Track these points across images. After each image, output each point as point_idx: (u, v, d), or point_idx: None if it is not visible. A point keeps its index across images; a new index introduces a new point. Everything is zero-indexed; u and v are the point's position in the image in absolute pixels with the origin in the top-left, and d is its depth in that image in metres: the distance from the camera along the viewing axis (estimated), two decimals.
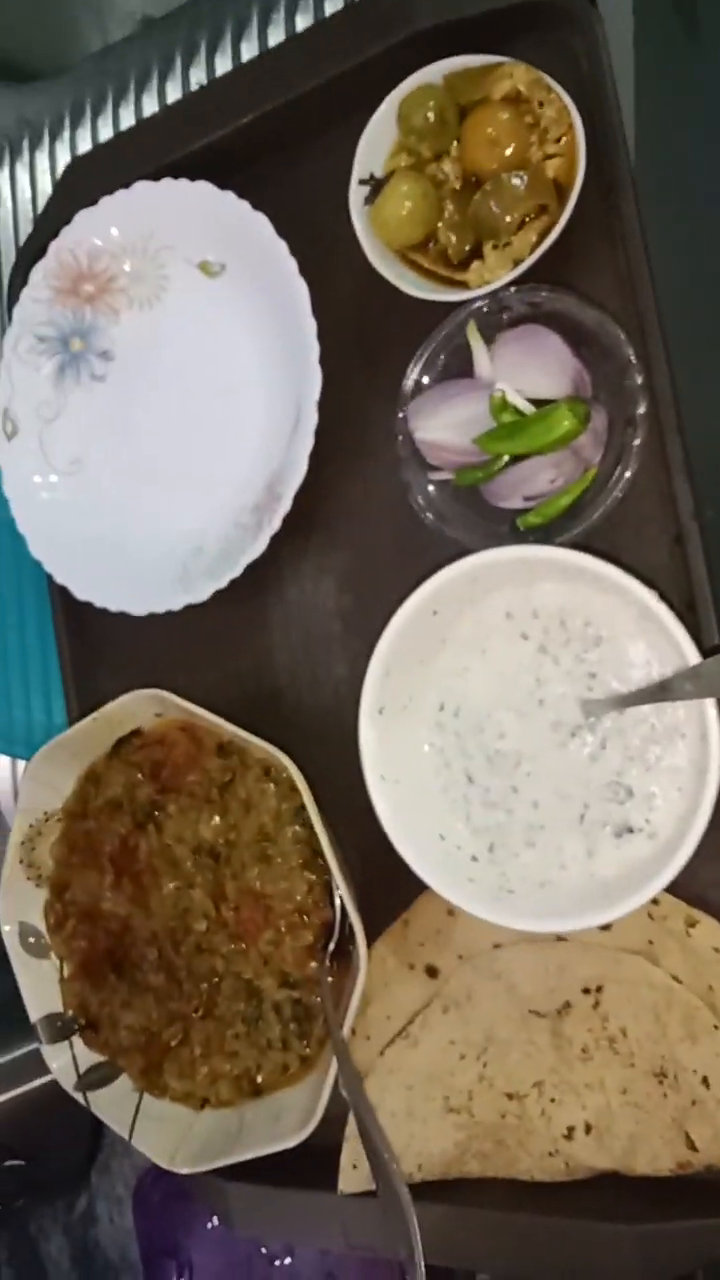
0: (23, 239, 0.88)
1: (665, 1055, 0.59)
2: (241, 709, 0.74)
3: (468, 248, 0.62)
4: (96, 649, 0.81)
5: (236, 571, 0.69)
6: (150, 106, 0.82)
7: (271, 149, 0.72)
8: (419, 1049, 0.66)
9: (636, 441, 0.57)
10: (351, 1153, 0.66)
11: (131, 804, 0.73)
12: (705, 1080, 0.58)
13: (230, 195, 0.69)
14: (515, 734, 0.60)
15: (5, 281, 0.88)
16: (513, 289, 0.60)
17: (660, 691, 0.55)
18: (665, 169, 0.63)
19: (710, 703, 0.53)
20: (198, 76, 0.80)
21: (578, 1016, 0.62)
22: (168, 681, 0.77)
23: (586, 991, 0.62)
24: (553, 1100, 0.62)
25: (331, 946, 0.66)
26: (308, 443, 0.66)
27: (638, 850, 0.57)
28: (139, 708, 0.72)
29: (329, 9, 0.75)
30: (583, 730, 0.58)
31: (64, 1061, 0.75)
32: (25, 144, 0.90)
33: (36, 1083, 0.80)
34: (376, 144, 0.64)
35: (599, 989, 0.61)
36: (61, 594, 0.77)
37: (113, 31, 1.09)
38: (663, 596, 0.54)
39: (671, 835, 0.56)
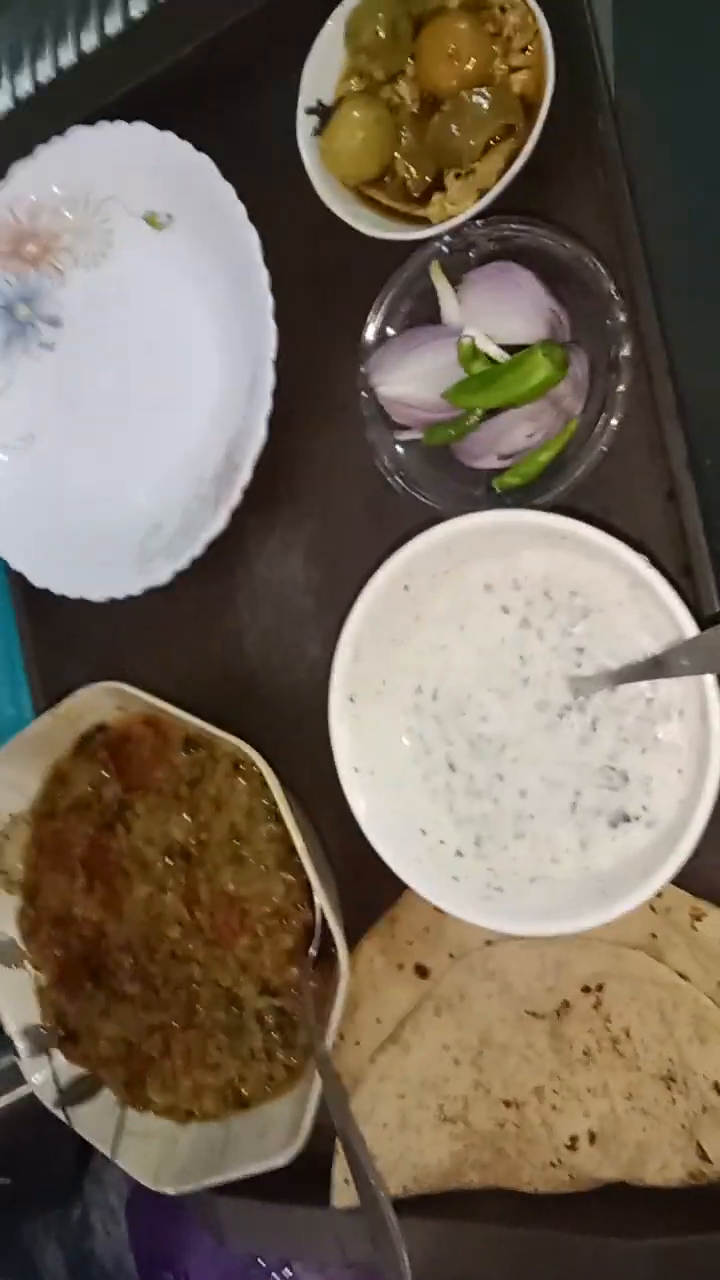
0: None
1: (673, 1058, 0.55)
2: (212, 695, 0.69)
3: (429, 178, 0.56)
4: (61, 637, 0.76)
5: (197, 550, 0.64)
6: (90, 43, 0.76)
7: (214, 82, 0.66)
8: (411, 1054, 0.61)
9: (621, 387, 0.51)
10: (343, 1167, 0.62)
11: (99, 803, 0.69)
12: (717, 1086, 0.53)
13: (171, 136, 0.63)
14: (499, 716, 0.55)
15: None
16: (479, 223, 0.54)
17: (655, 668, 0.49)
18: (648, 81, 0.56)
19: (710, 678, 0.47)
20: (138, 7, 0.73)
21: (578, 1017, 0.57)
22: (137, 668, 0.72)
23: (586, 990, 0.57)
24: (554, 1108, 0.58)
25: (313, 951, 0.62)
26: (265, 405, 0.60)
27: (636, 840, 0.52)
28: (99, 701, 0.67)
29: None
30: (571, 710, 0.53)
31: (44, 1076, 0.71)
32: None
33: (16, 1095, 0.75)
34: (324, 68, 0.58)
35: (600, 987, 0.57)
36: (19, 580, 0.72)
37: None
38: (655, 561, 0.48)
39: (672, 822, 0.51)
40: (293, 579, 0.67)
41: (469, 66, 0.53)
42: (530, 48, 0.53)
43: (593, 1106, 0.56)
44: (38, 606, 0.75)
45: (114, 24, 0.74)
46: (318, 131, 0.58)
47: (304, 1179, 0.63)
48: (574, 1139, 0.57)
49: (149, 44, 0.66)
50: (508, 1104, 0.59)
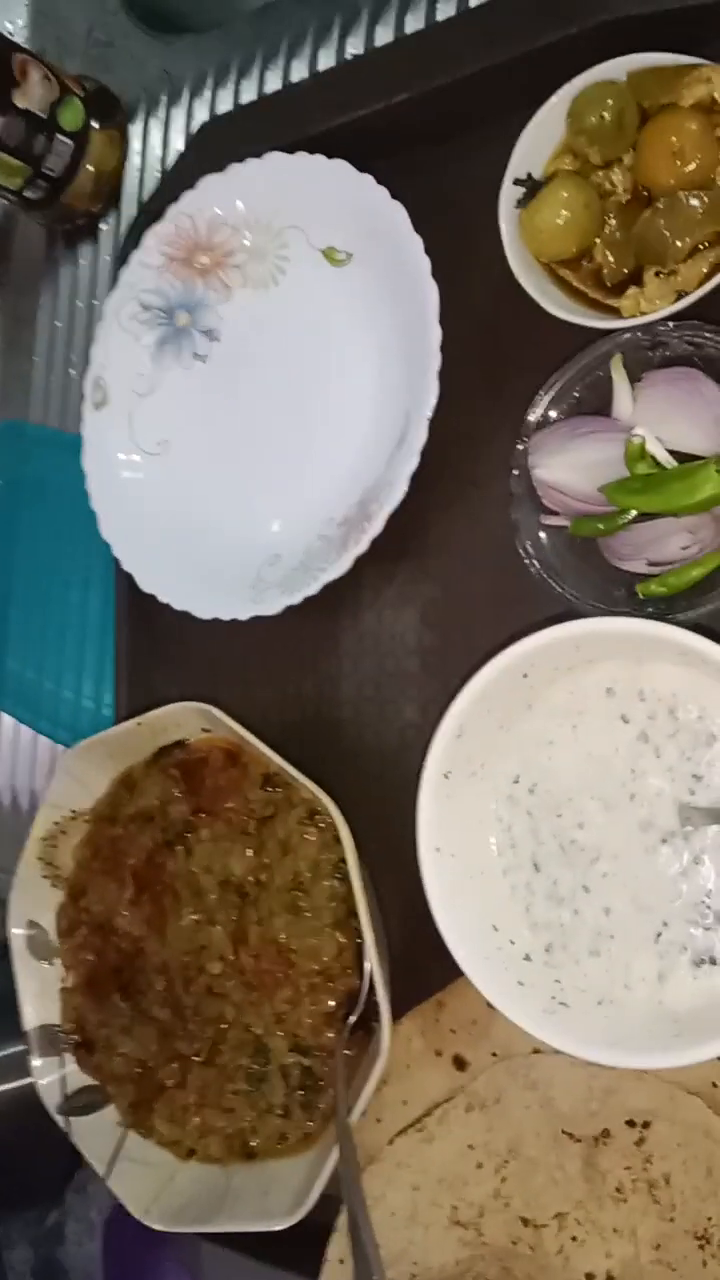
0: (145, 194, 0.83)
1: (712, 1218, 0.52)
2: (297, 736, 0.68)
3: (626, 271, 0.54)
4: (156, 645, 0.75)
5: (314, 589, 0.63)
6: (299, 74, 0.76)
7: (420, 135, 0.65)
8: (433, 1146, 0.59)
9: None
10: (340, 1246, 0.60)
11: (164, 819, 0.68)
12: None
13: (368, 179, 0.63)
14: (597, 826, 0.53)
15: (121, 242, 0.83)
16: (671, 324, 0.52)
17: None
18: None
19: None
20: (354, 47, 0.73)
21: (617, 1149, 0.55)
22: (225, 692, 0.71)
23: (631, 1124, 0.54)
24: (574, 1239, 0.55)
25: (353, 1019, 0.60)
26: (412, 461, 0.59)
27: (717, 985, 0.50)
28: (187, 719, 0.66)
29: None
30: (676, 838, 0.51)
31: (52, 1078, 0.70)
32: (163, 99, 0.84)
33: (15, 1085, 0.74)
34: (540, 141, 0.57)
35: (646, 1124, 0.54)
36: (127, 581, 0.72)
37: None
38: None
39: None
40: (402, 637, 0.65)
41: (690, 167, 0.52)
42: None
43: (616, 1248, 0.54)
44: (140, 611, 0.74)
45: (327, 59, 0.74)
46: (521, 203, 0.57)
47: (294, 1245, 0.61)
48: (590, 1277, 0.54)
49: (362, 84, 0.66)
50: (526, 1222, 0.56)
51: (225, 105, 0.80)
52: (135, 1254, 0.76)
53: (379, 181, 0.63)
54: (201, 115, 0.81)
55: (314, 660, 0.69)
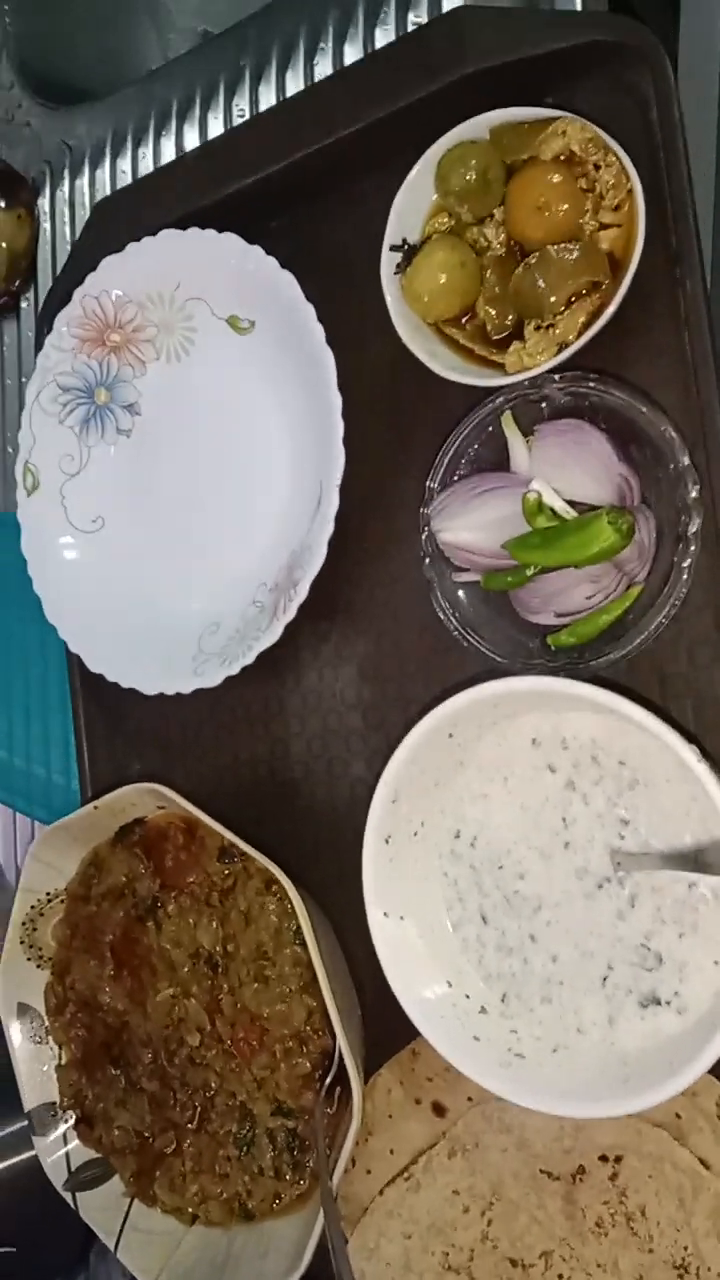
0: (59, 268, 0.84)
1: (689, 1247, 0.53)
2: (254, 797, 0.69)
3: (509, 323, 0.55)
4: (113, 718, 0.76)
5: (249, 659, 0.63)
6: (191, 136, 0.77)
7: (306, 196, 0.66)
8: (421, 1193, 0.60)
9: (688, 562, 0.50)
10: None
11: (133, 895, 0.69)
12: None
13: (258, 251, 0.63)
14: (537, 875, 0.54)
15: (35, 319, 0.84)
16: (555, 377, 0.53)
17: (696, 864, 0.48)
18: None
19: None
20: (240, 105, 0.74)
21: (593, 1185, 0.56)
22: (180, 762, 0.73)
23: (604, 1159, 0.55)
24: (560, 1276, 0.56)
25: (328, 1080, 0.61)
26: (328, 528, 0.60)
27: (665, 1025, 0.51)
28: (140, 799, 0.67)
29: (380, 40, 0.68)
30: (611, 882, 0.52)
31: (57, 1155, 0.71)
32: (65, 170, 0.85)
33: (24, 1158, 0.76)
34: (412, 205, 0.57)
35: (618, 1159, 0.55)
36: (77, 660, 0.73)
37: (175, 45, 1.04)
38: (706, 753, 0.47)
39: (704, 1014, 0.49)
40: (343, 694, 0.66)
41: (558, 220, 0.52)
42: (622, 206, 0.52)
43: None
44: (92, 687, 0.75)
45: (215, 120, 0.75)
46: (400, 269, 0.57)
47: None
48: None
49: (241, 155, 0.66)
50: (514, 1263, 0.57)
51: (125, 170, 0.81)
52: None
53: (269, 248, 0.63)
54: (104, 182, 0.82)
55: (263, 723, 0.70)
